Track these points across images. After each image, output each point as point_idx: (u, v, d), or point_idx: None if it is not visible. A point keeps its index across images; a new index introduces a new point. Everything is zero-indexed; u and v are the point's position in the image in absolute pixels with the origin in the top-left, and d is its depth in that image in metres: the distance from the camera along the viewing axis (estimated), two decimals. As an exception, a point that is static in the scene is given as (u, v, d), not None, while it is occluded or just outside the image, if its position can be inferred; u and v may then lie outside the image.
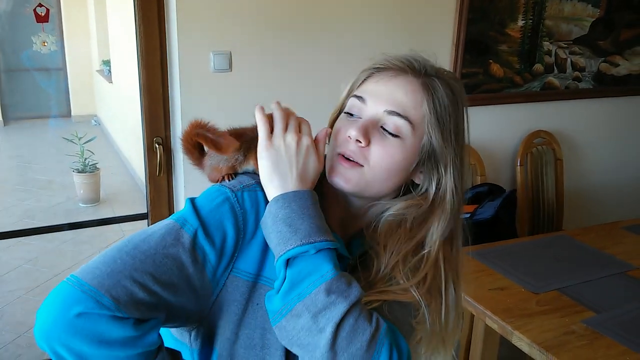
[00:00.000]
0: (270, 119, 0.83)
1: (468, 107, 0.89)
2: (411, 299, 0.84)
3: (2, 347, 2.78)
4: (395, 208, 0.87)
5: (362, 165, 0.84)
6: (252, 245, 0.82)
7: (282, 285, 0.75)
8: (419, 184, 0.88)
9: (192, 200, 0.82)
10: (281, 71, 2.39)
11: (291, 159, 0.80)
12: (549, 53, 3.00)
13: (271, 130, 0.82)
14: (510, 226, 2.79)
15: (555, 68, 3.05)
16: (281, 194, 0.79)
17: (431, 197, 0.86)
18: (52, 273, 3.54)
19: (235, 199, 0.81)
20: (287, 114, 0.84)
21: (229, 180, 0.87)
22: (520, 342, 1.63)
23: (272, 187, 0.80)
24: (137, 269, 0.73)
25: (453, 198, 0.86)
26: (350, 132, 0.83)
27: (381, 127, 0.84)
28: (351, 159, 0.84)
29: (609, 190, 3.47)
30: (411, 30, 2.56)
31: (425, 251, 0.85)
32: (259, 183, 0.84)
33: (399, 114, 0.83)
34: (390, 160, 0.83)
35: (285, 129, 0.82)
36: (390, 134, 0.83)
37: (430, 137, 0.83)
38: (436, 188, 0.86)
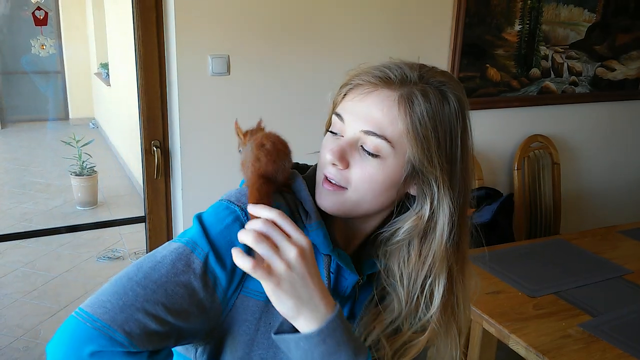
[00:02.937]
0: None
1: (464, 101, 0.83)
2: (432, 334, 0.84)
3: (-1, 350, 2.78)
4: (399, 234, 0.84)
5: (345, 188, 0.81)
6: None
7: None
8: (414, 195, 0.84)
9: (200, 220, 0.78)
10: (279, 75, 2.39)
11: (305, 279, 0.70)
12: (545, 57, 3.02)
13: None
14: (507, 230, 2.80)
15: (552, 72, 3.07)
16: (316, 331, 0.71)
17: (427, 214, 0.82)
18: (50, 276, 3.53)
19: (246, 217, 0.78)
20: (268, 227, 0.71)
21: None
22: (517, 345, 1.63)
23: (301, 322, 0.72)
24: (148, 300, 0.71)
25: (451, 211, 0.82)
26: (327, 156, 0.80)
27: (361, 146, 0.80)
28: (333, 182, 0.81)
29: (605, 195, 3.48)
30: (408, 35, 2.57)
31: (435, 272, 0.84)
32: None
33: (375, 134, 0.78)
34: (372, 181, 0.80)
35: (275, 246, 0.70)
36: (369, 154, 0.79)
37: (412, 152, 0.79)
38: (430, 203, 0.82)
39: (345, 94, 0.85)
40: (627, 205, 3.52)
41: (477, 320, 1.79)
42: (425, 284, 0.83)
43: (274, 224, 0.71)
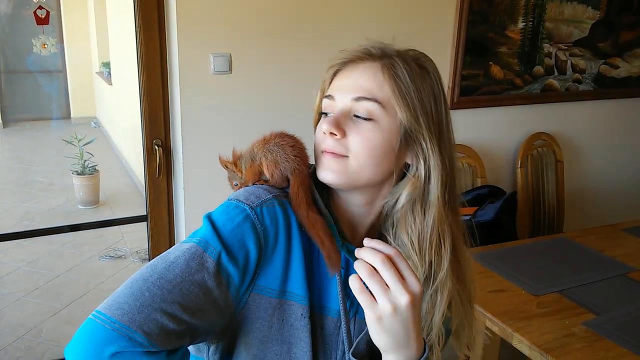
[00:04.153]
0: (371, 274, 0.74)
1: (440, 77, 0.88)
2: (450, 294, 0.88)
3: (1, 349, 2.77)
4: (401, 200, 0.86)
5: (346, 156, 0.83)
6: (272, 262, 0.81)
7: None
8: (410, 164, 0.87)
9: (211, 219, 0.80)
10: (281, 73, 2.39)
11: (406, 325, 0.73)
12: (549, 55, 3.01)
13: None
14: (510, 228, 2.79)
15: (555, 70, 3.05)
16: None
17: (423, 174, 0.85)
18: (52, 275, 3.54)
19: (255, 216, 0.80)
20: (385, 265, 0.73)
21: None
22: (521, 344, 1.62)
23: (390, 358, 0.77)
24: (165, 300, 0.72)
25: (442, 168, 0.85)
26: (323, 128, 0.84)
27: (354, 115, 0.84)
28: (334, 152, 0.84)
29: (609, 192, 3.47)
30: (411, 33, 2.56)
31: (439, 229, 0.86)
32: (276, 197, 0.83)
33: (366, 98, 0.83)
34: (370, 144, 0.83)
35: (386, 285, 0.73)
36: (363, 119, 0.83)
37: (401, 111, 0.83)
38: (424, 162, 0.85)
39: (331, 79, 0.89)
40: (631, 203, 3.50)
41: (481, 318, 1.78)
42: (433, 243, 0.86)
43: (390, 260, 0.73)
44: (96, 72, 6.60)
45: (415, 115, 0.83)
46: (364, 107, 0.83)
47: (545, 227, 3.14)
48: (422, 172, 0.85)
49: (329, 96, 0.87)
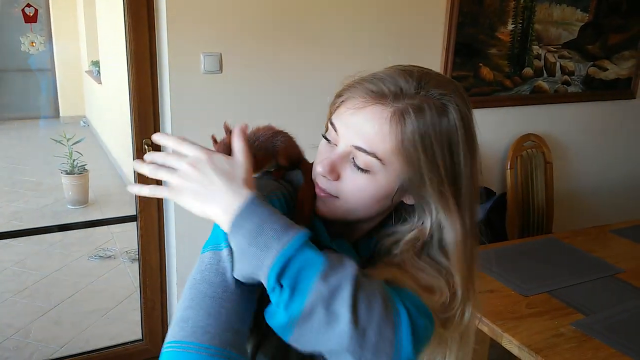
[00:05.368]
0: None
1: (466, 112, 0.81)
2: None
3: (-11, 350, 2.75)
4: (399, 245, 0.84)
5: (336, 197, 0.82)
6: None
7: (280, 296, 0.69)
8: (411, 204, 0.84)
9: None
10: (271, 73, 2.39)
11: (202, 183, 0.74)
12: (538, 57, 3.02)
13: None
14: (500, 229, 2.81)
15: (544, 72, 3.07)
16: (231, 225, 0.71)
17: (428, 229, 0.82)
18: (40, 275, 3.51)
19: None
20: (165, 157, 0.81)
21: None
22: (510, 344, 1.63)
23: (219, 220, 0.73)
24: (238, 311, 0.71)
25: (462, 225, 0.81)
26: (318, 169, 0.81)
27: (352, 158, 0.80)
28: (324, 191, 0.82)
29: (597, 194, 3.50)
30: (402, 34, 2.57)
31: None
32: (274, 190, 0.83)
33: (365, 151, 0.78)
34: (362, 193, 0.80)
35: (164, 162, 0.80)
36: (360, 169, 0.79)
37: (402, 170, 0.79)
38: (431, 218, 0.81)
39: (340, 103, 0.84)
40: (619, 205, 3.53)
41: (470, 319, 1.79)
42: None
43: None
44: (85, 71, 6.55)
45: (419, 175, 0.78)
46: (362, 159, 0.78)
47: (535, 228, 3.16)
48: (428, 226, 0.82)
49: (333, 125, 0.83)
